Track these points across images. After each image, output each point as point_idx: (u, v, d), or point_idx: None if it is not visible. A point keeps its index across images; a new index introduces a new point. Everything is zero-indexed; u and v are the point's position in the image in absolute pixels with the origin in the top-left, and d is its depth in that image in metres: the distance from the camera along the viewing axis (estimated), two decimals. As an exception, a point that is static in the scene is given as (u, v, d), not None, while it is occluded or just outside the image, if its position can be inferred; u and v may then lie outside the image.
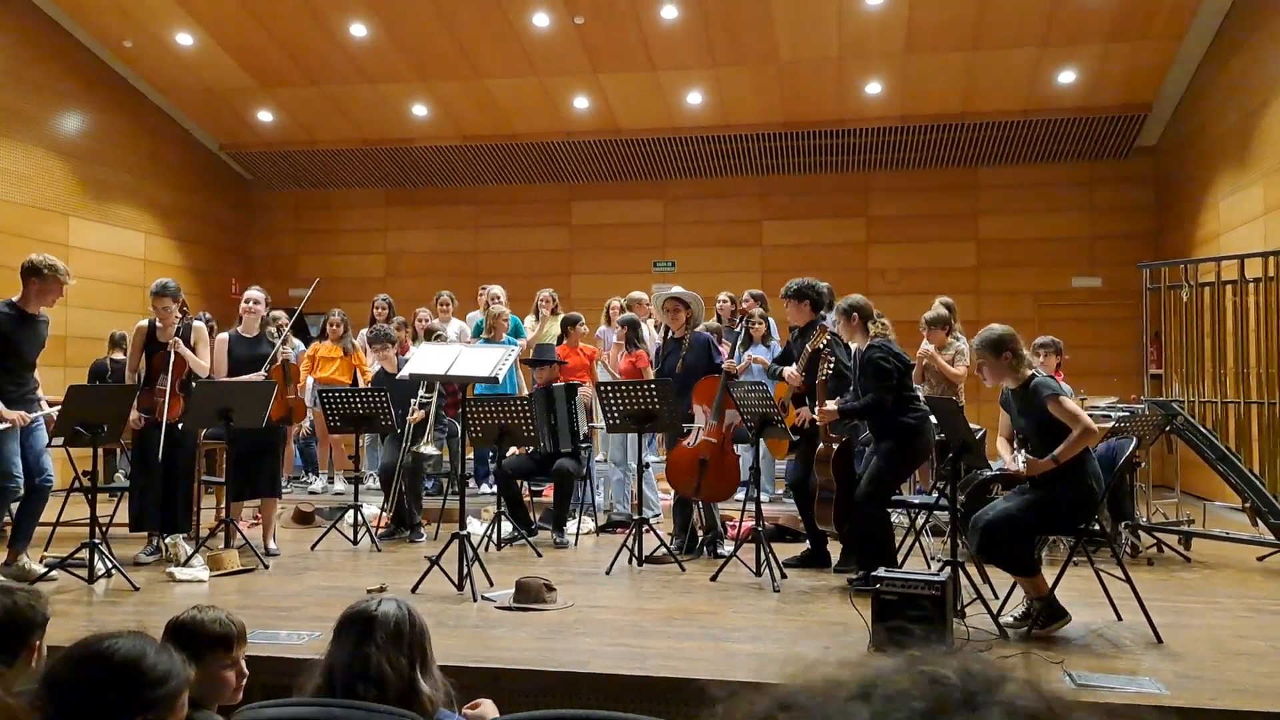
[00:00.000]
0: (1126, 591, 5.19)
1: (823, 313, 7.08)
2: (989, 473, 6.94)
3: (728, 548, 7.27)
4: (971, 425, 5.74)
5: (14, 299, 6.56)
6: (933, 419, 6.30)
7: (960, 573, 5.29)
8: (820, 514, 6.56)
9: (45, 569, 6.45)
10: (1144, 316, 9.13)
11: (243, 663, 2.95)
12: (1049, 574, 5.23)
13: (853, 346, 6.54)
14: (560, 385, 8.27)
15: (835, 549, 6.95)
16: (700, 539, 7.51)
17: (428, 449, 7.94)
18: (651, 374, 8.15)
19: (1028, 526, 5.14)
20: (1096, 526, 5.54)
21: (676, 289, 7.98)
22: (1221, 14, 10.64)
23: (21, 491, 6.43)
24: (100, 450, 6.55)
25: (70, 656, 2.21)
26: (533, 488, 8.96)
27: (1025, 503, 5.15)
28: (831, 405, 6.31)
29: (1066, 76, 11.80)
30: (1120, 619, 5.32)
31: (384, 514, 8.52)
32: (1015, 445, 5.62)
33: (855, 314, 6.34)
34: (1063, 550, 7.12)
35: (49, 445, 6.66)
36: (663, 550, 7.06)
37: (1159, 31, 10.90)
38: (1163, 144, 12.86)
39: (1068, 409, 5.09)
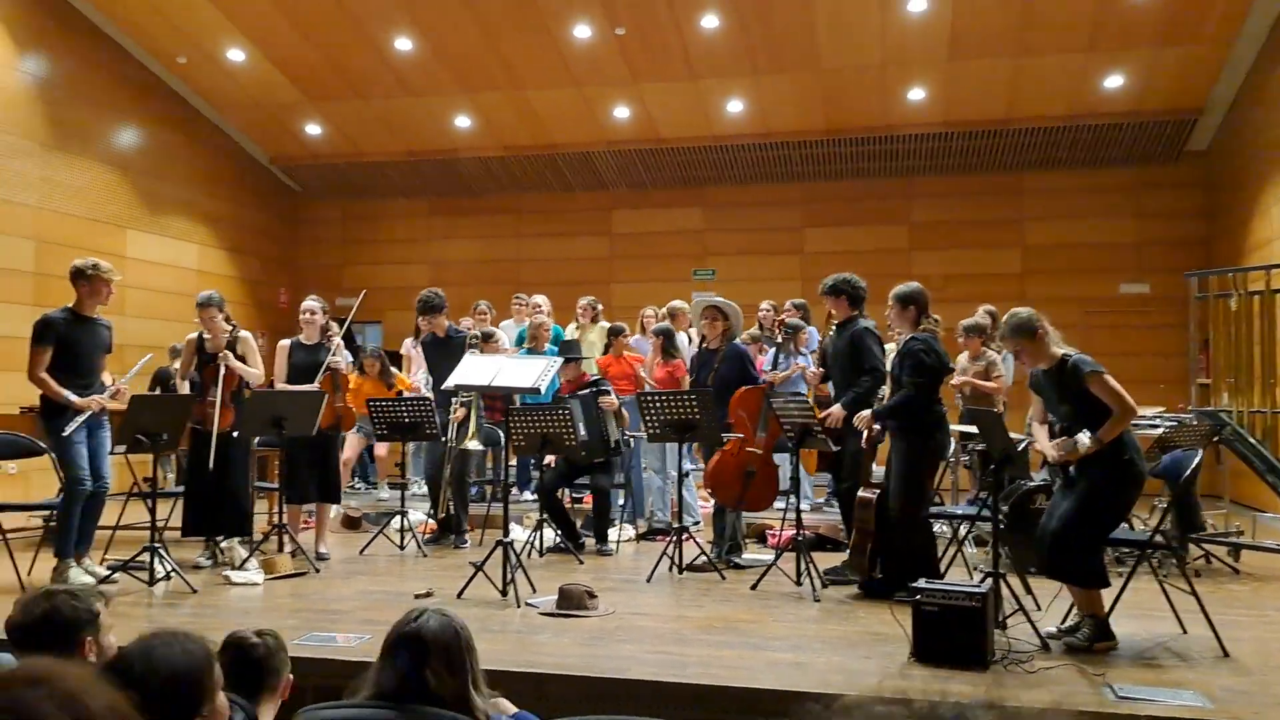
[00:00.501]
0: (1190, 604, 5.17)
1: (857, 312, 7.01)
2: (1032, 484, 6.92)
3: (761, 556, 7.31)
4: (1012, 435, 5.72)
5: (70, 305, 6.78)
6: (972, 428, 6.28)
7: (1002, 584, 5.28)
8: (854, 562, 6.47)
9: (108, 571, 6.62)
10: (1192, 325, 9.03)
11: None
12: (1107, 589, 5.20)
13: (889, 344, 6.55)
14: (584, 394, 8.22)
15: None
16: (724, 546, 7.54)
17: (472, 444, 7.99)
18: (688, 383, 8.18)
19: (1086, 531, 5.04)
20: (1160, 539, 5.52)
21: (716, 298, 7.99)
22: (1273, 17, 10.50)
23: (88, 492, 6.64)
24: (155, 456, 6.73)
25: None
26: (573, 495, 9.04)
27: (1074, 506, 5.05)
28: (865, 412, 6.32)
29: (1114, 81, 11.70)
30: (1185, 631, 5.31)
31: (430, 520, 8.64)
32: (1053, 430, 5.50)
33: (912, 305, 6.32)
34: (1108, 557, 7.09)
35: (111, 452, 6.87)
36: (703, 558, 7.11)
37: (1209, 35, 10.79)
38: (1214, 149, 12.72)
39: (1110, 387, 5.00)
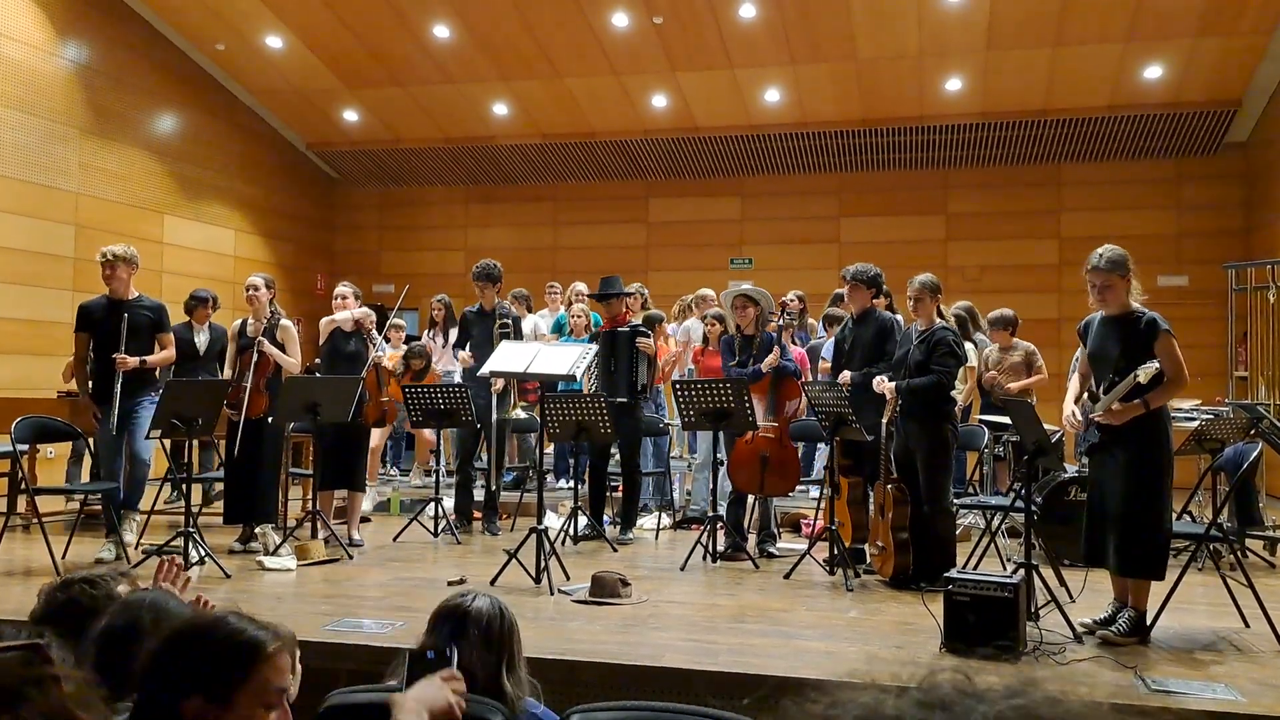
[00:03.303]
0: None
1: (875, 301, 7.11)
2: (1066, 475, 6.89)
3: (795, 546, 7.30)
4: (1047, 426, 5.69)
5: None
6: (1005, 419, 6.27)
7: (1035, 575, 5.26)
8: (899, 562, 6.39)
9: (144, 555, 6.73)
10: (1230, 317, 8.94)
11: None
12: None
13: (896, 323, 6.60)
14: (624, 331, 8.20)
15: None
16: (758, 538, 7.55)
17: (517, 413, 8.00)
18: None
19: (1149, 511, 4.95)
20: (1217, 532, 5.48)
21: (745, 285, 7.97)
22: (1314, 7, 10.37)
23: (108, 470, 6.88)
24: (195, 442, 6.85)
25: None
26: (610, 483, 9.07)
27: (1122, 494, 4.96)
28: (889, 384, 6.31)
29: (1153, 72, 11.58)
30: (1249, 626, 5.26)
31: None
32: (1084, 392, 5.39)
33: (938, 294, 6.38)
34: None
35: (146, 437, 6.98)
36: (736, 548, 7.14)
37: (1249, 25, 10.66)
38: (1254, 140, 12.56)
39: (1175, 352, 4.93)
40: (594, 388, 8.20)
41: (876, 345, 6.84)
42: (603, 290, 8.47)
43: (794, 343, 9.02)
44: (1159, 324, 4.98)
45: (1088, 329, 5.35)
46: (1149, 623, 5.05)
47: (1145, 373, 4.78)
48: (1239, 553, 5.86)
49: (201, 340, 9.07)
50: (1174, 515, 5.34)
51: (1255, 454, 5.87)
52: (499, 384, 8.16)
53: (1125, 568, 5.05)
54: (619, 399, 7.97)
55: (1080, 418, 5.13)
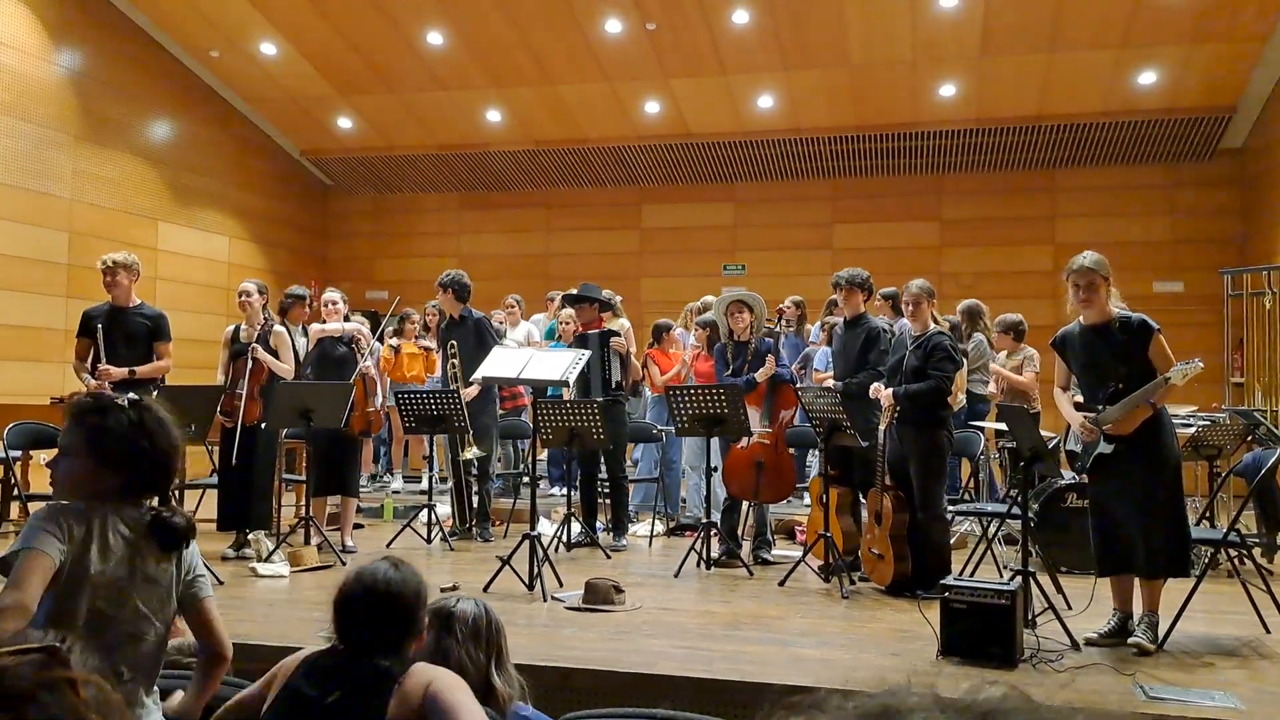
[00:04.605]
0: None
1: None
2: (1063, 481, 6.87)
3: (790, 552, 7.27)
4: (1044, 433, 5.67)
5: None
6: (1002, 426, 6.24)
7: (1032, 582, 5.23)
8: (898, 569, 6.35)
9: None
10: (1226, 323, 8.93)
11: None
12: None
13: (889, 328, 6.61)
14: (594, 333, 8.18)
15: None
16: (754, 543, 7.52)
17: (468, 454, 7.96)
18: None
19: (1169, 515, 4.94)
20: (1236, 537, 5.46)
21: (740, 290, 7.94)
22: (1309, 13, 10.38)
23: None
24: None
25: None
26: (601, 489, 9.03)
27: (1143, 498, 4.94)
28: (886, 391, 6.29)
29: (1147, 77, 11.59)
30: (1269, 631, 5.25)
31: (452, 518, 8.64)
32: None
33: (933, 299, 6.39)
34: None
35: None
36: (730, 555, 7.10)
37: (1244, 31, 10.66)
38: (1249, 146, 12.57)
39: (1169, 352, 4.94)
40: (572, 393, 8.16)
41: (861, 354, 6.85)
42: (578, 294, 8.47)
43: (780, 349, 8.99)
44: (1151, 325, 5.00)
45: (1065, 341, 5.33)
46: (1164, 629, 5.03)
47: (1181, 374, 4.78)
48: (1260, 560, 5.84)
49: (299, 345, 8.11)
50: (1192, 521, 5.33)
51: (1275, 458, 5.85)
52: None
53: (1156, 569, 5.01)
54: (596, 398, 7.91)
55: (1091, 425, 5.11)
